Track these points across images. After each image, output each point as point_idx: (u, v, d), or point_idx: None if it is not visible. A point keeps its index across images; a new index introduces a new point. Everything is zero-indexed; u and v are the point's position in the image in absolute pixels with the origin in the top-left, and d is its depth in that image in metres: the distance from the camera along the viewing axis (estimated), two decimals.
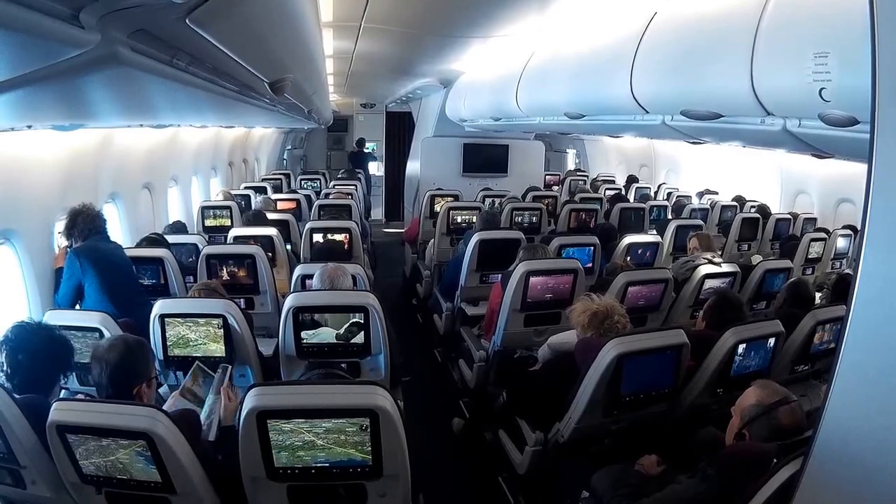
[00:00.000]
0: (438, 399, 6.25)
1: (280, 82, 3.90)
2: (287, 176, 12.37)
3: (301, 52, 4.12)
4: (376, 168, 17.16)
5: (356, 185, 10.58)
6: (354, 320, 3.74)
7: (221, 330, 3.77)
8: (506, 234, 6.22)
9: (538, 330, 4.90)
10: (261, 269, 5.14)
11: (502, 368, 4.92)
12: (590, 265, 5.90)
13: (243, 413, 2.41)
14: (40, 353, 2.89)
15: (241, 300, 4.97)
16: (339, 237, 6.38)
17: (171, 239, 5.98)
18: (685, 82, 3.16)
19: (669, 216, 9.08)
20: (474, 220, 7.40)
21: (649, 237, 6.76)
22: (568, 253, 5.81)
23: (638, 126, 4.30)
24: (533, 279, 4.75)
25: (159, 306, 3.77)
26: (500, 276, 5.36)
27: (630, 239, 6.38)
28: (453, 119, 10.45)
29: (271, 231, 6.13)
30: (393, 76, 10.27)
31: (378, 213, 16.97)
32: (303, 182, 11.89)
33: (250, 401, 2.40)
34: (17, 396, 2.60)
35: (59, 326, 3.21)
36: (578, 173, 14.19)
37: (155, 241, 5.75)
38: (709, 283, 5.19)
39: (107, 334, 3.53)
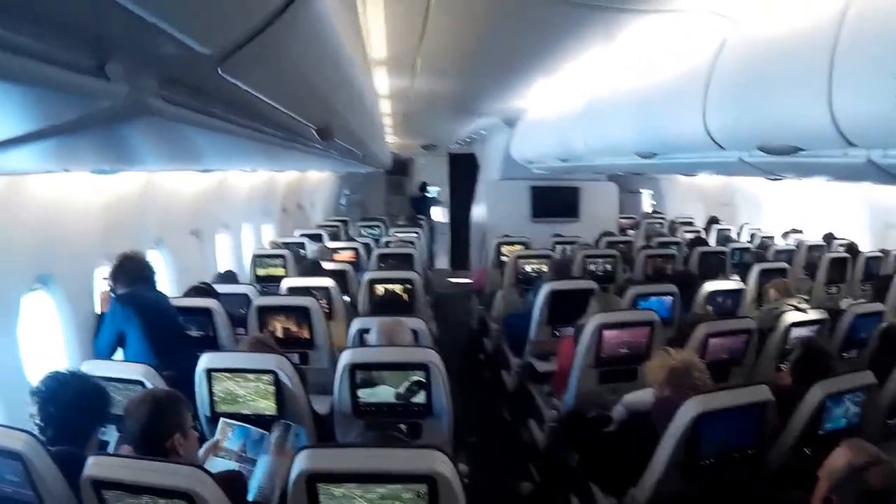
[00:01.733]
0: (506, 461, 6.22)
1: (328, 128, 3.94)
2: (345, 223, 12.63)
3: (350, 95, 4.22)
4: (440, 214, 17.36)
5: (418, 233, 10.77)
6: (415, 379, 3.80)
7: (272, 386, 3.76)
8: (578, 284, 6.24)
9: (613, 388, 4.86)
10: (316, 322, 5.22)
11: (575, 429, 4.89)
12: (668, 316, 5.84)
13: (293, 475, 2.45)
14: (73, 404, 2.97)
15: (295, 355, 5.00)
16: (399, 289, 6.49)
17: (220, 289, 6.08)
18: (760, 114, 3.16)
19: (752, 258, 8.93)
20: (544, 269, 7.47)
21: (731, 283, 6.72)
22: (644, 303, 5.78)
23: (713, 164, 4.32)
24: (607, 333, 4.77)
25: (206, 360, 3.80)
26: (571, 329, 5.37)
27: (710, 286, 6.33)
28: (519, 160, 10.60)
29: (328, 282, 6.22)
30: (453, 116, 10.48)
31: (443, 261, 17.13)
32: (361, 229, 12.12)
33: (300, 463, 2.45)
34: (51, 449, 2.68)
35: (99, 377, 3.33)
36: (655, 216, 14.15)
37: (203, 290, 5.83)
38: (795, 332, 5.11)
39: (149, 387, 3.55)
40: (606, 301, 5.37)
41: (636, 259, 8.34)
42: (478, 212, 13.37)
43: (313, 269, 6.95)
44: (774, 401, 3.44)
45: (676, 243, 9.69)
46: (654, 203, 16.36)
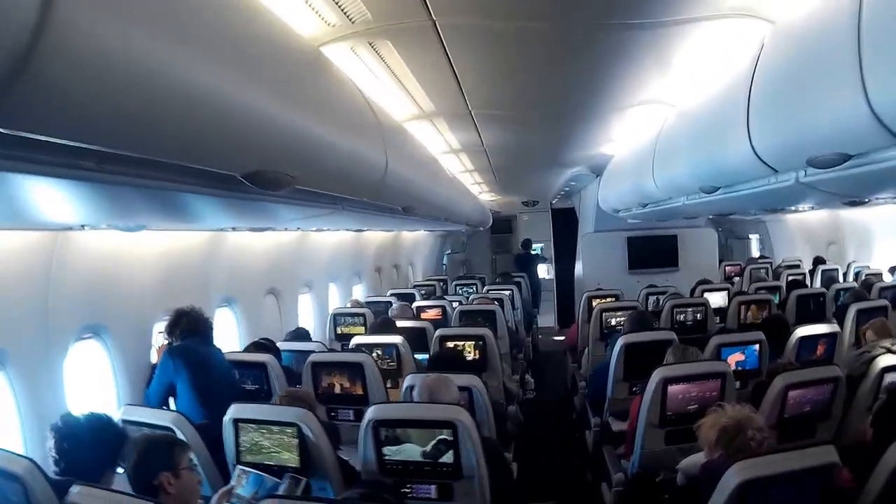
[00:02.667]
0: None
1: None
2: (443, 282, 12.45)
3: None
4: (545, 271, 16.99)
5: (511, 290, 10.39)
6: (441, 437, 3.52)
7: (296, 439, 3.68)
8: (654, 335, 5.74)
9: (683, 449, 4.29)
10: (370, 378, 5.03)
11: (636, 496, 4.47)
12: (757, 367, 5.35)
13: None
14: (87, 441, 3.12)
15: (350, 411, 5.01)
16: (469, 345, 6.20)
17: (284, 346, 6.15)
18: (801, 122, 2.75)
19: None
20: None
21: (823, 327, 6.04)
22: (729, 354, 5.28)
23: (775, 192, 3.86)
24: (672, 388, 4.31)
25: (233, 410, 3.80)
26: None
27: (801, 332, 5.72)
28: (606, 209, 10.14)
29: (396, 339, 6.04)
30: (542, 168, 10.24)
31: (549, 319, 16.66)
32: (458, 287, 11.88)
33: None
34: (53, 478, 2.82)
35: (132, 422, 3.67)
36: (761, 261, 13.31)
37: (263, 346, 5.84)
38: (890, 378, 4.43)
39: (179, 435, 3.63)
40: (682, 353, 4.88)
41: (730, 306, 7.73)
42: (579, 267, 12.97)
43: (382, 327, 6.78)
44: (839, 465, 2.87)
45: (775, 287, 9.09)
46: (762, 248, 15.65)
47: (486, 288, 10.55)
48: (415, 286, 11.77)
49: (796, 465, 2.81)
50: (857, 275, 10.36)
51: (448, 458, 3.52)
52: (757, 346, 5.43)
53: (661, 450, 4.42)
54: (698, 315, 7.31)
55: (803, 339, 5.67)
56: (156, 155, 1.99)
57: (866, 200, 4.90)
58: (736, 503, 2.74)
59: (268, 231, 6.31)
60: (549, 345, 14.00)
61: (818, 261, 11.79)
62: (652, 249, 11.44)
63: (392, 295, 10.09)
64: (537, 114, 6.24)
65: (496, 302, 8.46)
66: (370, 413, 3.60)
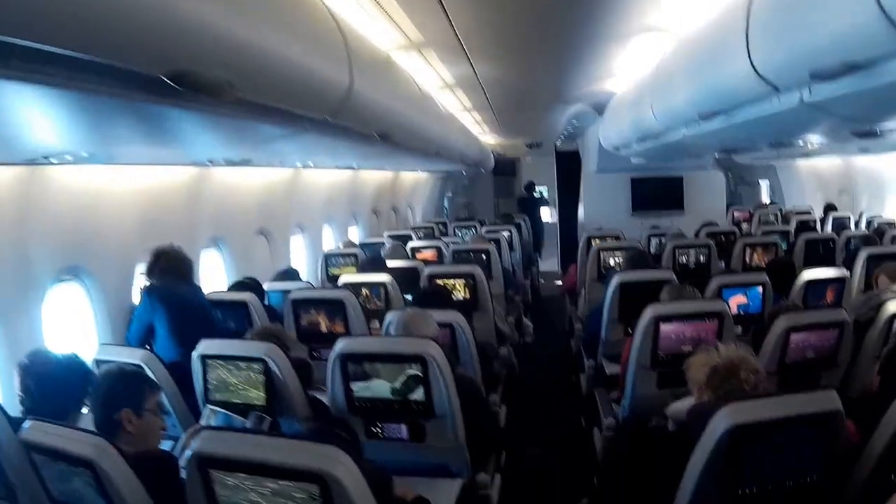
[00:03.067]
0: (573, 471, 5.61)
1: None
2: (443, 224, 12.19)
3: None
4: (549, 214, 16.71)
5: (510, 231, 10.12)
6: (411, 373, 3.32)
7: (262, 376, 3.50)
8: (651, 274, 5.51)
9: (676, 393, 3.95)
10: (351, 316, 4.85)
11: (628, 441, 4.22)
12: (759, 311, 5.09)
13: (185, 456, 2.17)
14: (50, 379, 3.07)
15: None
16: (460, 284, 5.98)
17: (274, 286, 6.03)
18: (805, 31, 2.45)
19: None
20: None
21: (831, 271, 5.74)
22: (730, 295, 5.04)
23: (779, 118, 3.58)
24: (665, 327, 4.06)
25: (202, 346, 3.62)
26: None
27: (809, 274, 5.43)
28: (607, 147, 9.77)
29: (383, 278, 5.87)
30: (539, 105, 9.87)
31: (552, 264, 16.44)
32: (456, 230, 11.61)
33: (194, 443, 2.18)
34: (13, 416, 2.73)
35: (105, 361, 3.62)
36: (771, 206, 12.99)
37: (245, 285, 5.69)
38: None
39: (149, 373, 3.51)
40: (678, 291, 4.64)
41: (734, 249, 7.47)
42: (581, 210, 12.69)
43: (371, 265, 6.58)
44: (843, 413, 2.54)
45: (783, 232, 8.81)
46: (772, 195, 15.27)
47: (483, 229, 10.28)
48: (413, 228, 11.52)
49: (793, 411, 2.50)
50: (868, 223, 10.05)
51: (418, 395, 3.33)
52: (761, 289, 5.17)
53: (654, 394, 4.20)
54: (701, 257, 7.06)
55: (810, 283, 5.39)
56: (64, 46, 1.73)
57: (878, 133, 4.57)
58: (725, 451, 2.48)
59: (252, 167, 6.14)
60: (550, 289, 13.68)
61: (829, 208, 11.47)
62: (656, 191, 11.15)
63: (389, 237, 9.91)
64: (533, 44, 5.94)
65: (493, 242, 8.23)
66: (337, 346, 3.40)
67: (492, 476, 3.98)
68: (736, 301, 5.11)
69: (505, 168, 17.49)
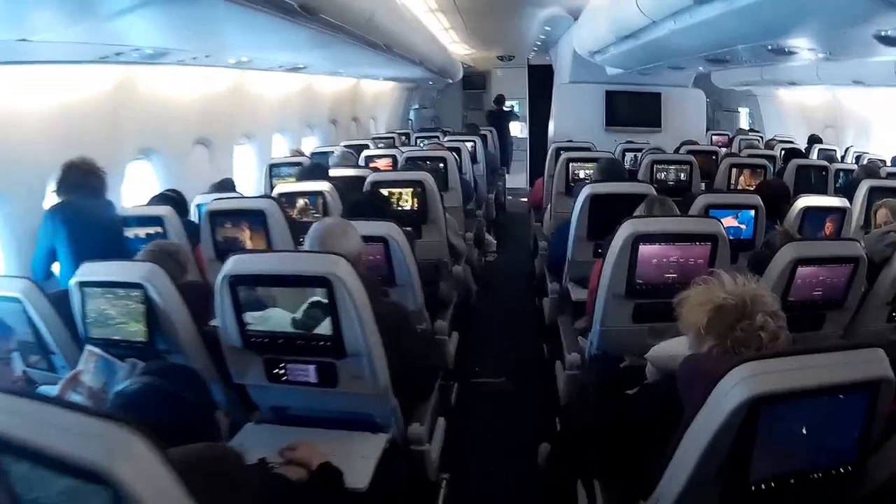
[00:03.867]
0: (534, 412, 4.86)
1: None
2: (405, 136, 11.22)
3: None
4: (519, 129, 15.76)
5: (475, 142, 9.20)
6: (314, 299, 2.50)
7: (142, 305, 2.88)
8: (627, 187, 4.69)
9: (655, 329, 3.30)
10: (274, 229, 4.09)
11: (602, 383, 3.43)
12: (750, 237, 4.42)
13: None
14: None
15: None
16: (407, 193, 5.17)
17: (203, 199, 5.25)
18: None
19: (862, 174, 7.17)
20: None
21: (833, 200, 4.97)
22: (718, 217, 4.26)
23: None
24: (645, 249, 3.25)
25: (80, 271, 3.02)
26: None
27: (807, 201, 4.71)
28: (583, 53, 8.73)
29: (322, 186, 5.08)
30: (510, 7, 8.85)
31: (521, 180, 15.56)
32: (419, 140, 10.65)
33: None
34: None
35: None
36: (751, 133, 12.21)
37: (167, 198, 5.09)
38: None
39: (28, 307, 3.06)
40: (661, 206, 3.82)
41: (718, 170, 6.68)
42: (552, 124, 11.71)
43: (311, 173, 5.76)
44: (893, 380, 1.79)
45: (770, 157, 7.95)
46: (752, 122, 14.55)
47: (446, 138, 9.35)
48: (373, 139, 10.59)
49: (835, 379, 1.74)
50: (857, 159, 9.24)
51: (325, 328, 2.54)
52: (753, 212, 4.45)
53: (628, 328, 3.46)
54: (682, 175, 6.30)
55: (808, 211, 4.68)
56: None
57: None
58: (743, 430, 1.73)
59: (181, 65, 5.48)
60: (518, 206, 13.05)
61: (814, 139, 10.64)
62: (633, 107, 10.23)
63: (345, 147, 9.03)
64: None
65: (453, 152, 7.37)
66: (225, 266, 2.59)
67: (431, 426, 3.31)
68: (725, 224, 4.33)
69: (475, 81, 16.61)
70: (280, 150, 8.61)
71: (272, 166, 7.13)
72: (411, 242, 3.87)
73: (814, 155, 9.60)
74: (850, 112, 10.87)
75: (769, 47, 4.91)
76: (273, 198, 4.56)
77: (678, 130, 10.00)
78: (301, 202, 5.08)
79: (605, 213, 4.48)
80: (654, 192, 4.51)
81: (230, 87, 7.03)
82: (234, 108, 7.24)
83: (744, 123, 15.04)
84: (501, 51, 15.24)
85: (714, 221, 3.42)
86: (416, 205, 5.12)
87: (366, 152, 7.83)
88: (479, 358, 5.68)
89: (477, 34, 11.70)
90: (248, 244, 4.27)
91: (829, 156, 9.37)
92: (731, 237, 4.25)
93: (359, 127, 12.01)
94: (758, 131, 12.87)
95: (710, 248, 3.26)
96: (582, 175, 6.13)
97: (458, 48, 13.63)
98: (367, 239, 3.34)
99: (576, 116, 10.17)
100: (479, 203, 8.26)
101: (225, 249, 4.15)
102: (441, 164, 6.50)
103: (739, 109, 15.24)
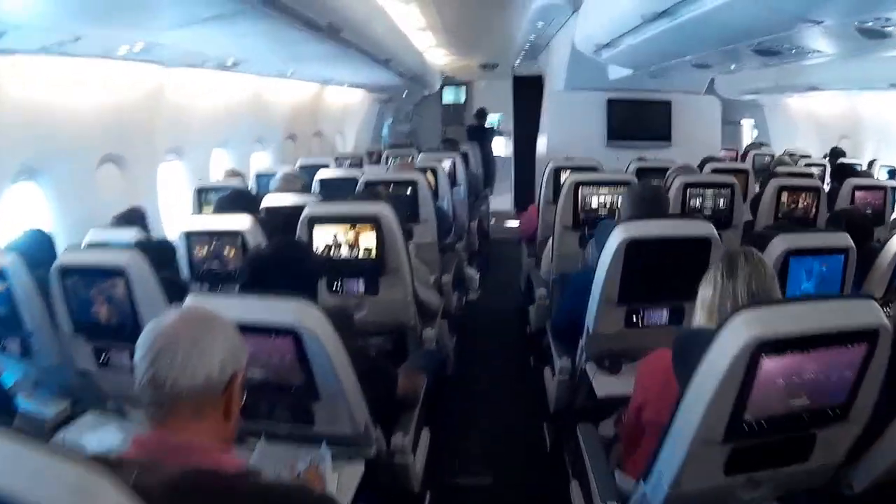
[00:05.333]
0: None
1: None
2: (376, 154, 9.60)
3: None
4: (503, 146, 14.20)
5: (453, 160, 7.59)
6: None
7: None
8: (682, 226, 3.18)
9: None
10: (138, 294, 2.77)
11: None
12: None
13: None
14: None
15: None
16: (361, 232, 3.60)
17: (98, 236, 4.05)
18: None
19: None
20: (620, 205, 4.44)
21: None
22: (800, 265, 3.01)
23: None
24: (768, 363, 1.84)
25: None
26: (663, 315, 3.11)
27: None
28: (586, 50, 7.00)
29: (240, 223, 3.69)
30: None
31: (505, 202, 14.01)
32: (390, 159, 9.03)
33: None
34: None
35: None
36: (763, 147, 10.76)
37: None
38: None
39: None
40: (748, 262, 2.25)
41: (763, 194, 5.17)
42: (542, 143, 10.06)
43: (232, 203, 4.18)
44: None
45: (808, 175, 6.61)
46: (757, 135, 13.35)
47: (420, 156, 7.73)
48: (337, 157, 8.98)
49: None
50: (891, 174, 8.13)
51: None
52: (841, 259, 3.09)
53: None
54: (721, 201, 4.75)
55: None
56: None
57: None
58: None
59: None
60: (503, 231, 11.66)
61: (836, 153, 9.32)
62: (639, 117, 8.63)
63: (301, 168, 7.48)
64: None
65: (427, 172, 5.81)
66: None
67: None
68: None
69: (455, 95, 14.97)
70: (223, 166, 7.15)
71: (200, 191, 5.71)
72: (348, 333, 2.34)
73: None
74: (869, 120, 9.69)
75: (869, 22, 3.38)
76: (147, 245, 3.04)
77: (691, 143, 8.47)
78: (208, 247, 3.59)
79: (649, 267, 2.99)
80: (716, 235, 3.03)
81: (149, 92, 5.60)
82: (155, 117, 5.79)
83: (747, 136, 13.85)
84: (484, 57, 13.67)
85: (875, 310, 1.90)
86: (373, 251, 3.56)
87: (320, 174, 6.26)
88: (459, 457, 4.14)
89: (456, 34, 10.08)
90: (103, 316, 2.78)
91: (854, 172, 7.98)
92: None
93: (323, 143, 10.44)
94: (767, 145, 11.53)
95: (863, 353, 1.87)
96: (595, 204, 4.58)
97: (435, 54, 12.11)
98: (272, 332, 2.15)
99: (572, 129, 8.58)
100: (460, 233, 6.68)
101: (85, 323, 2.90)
102: (410, 190, 4.93)
103: (743, 121, 13.98)
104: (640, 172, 5.99)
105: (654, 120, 8.59)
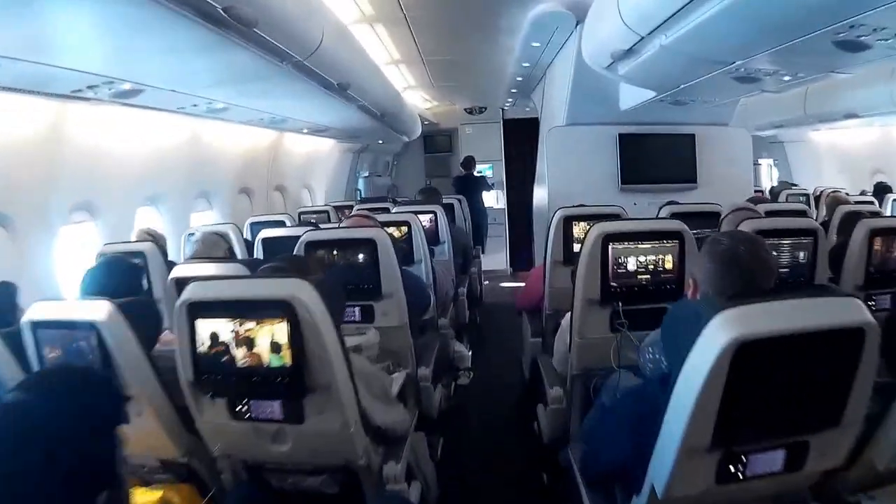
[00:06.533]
0: None
1: None
2: (345, 209, 8.30)
3: None
4: (494, 199, 13.05)
5: (434, 213, 6.26)
6: None
7: None
8: (824, 310, 1.80)
9: None
10: None
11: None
12: None
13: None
14: None
15: None
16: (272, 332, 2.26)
17: None
18: None
19: None
20: (672, 268, 3.17)
21: None
22: None
23: None
24: None
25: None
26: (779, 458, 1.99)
27: None
28: (598, 65, 5.46)
29: (95, 312, 2.54)
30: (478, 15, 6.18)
31: (499, 261, 12.82)
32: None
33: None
34: None
35: None
36: (796, 189, 9.60)
37: None
38: None
39: None
40: None
41: (851, 240, 3.85)
42: (540, 193, 8.75)
43: (108, 278, 2.94)
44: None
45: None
46: (778, 174, 12.46)
47: (395, 209, 6.41)
48: (301, 213, 7.71)
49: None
50: None
51: None
52: None
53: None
54: (801, 255, 3.49)
55: None
56: None
57: None
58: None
59: None
60: (497, 294, 10.48)
61: (882, 189, 8.36)
62: (658, 155, 7.28)
63: (253, 225, 6.41)
64: None
65: (407, 226, 4.56)
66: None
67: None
68: None
69: (440, 142, 13.98)
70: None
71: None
72: None
73: (887, 208, 7.68)
74: None
75: None
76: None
77: (719, 184, 7.23)
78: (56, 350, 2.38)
79: (770, 384, 1.80)
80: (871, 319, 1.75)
81: (42, 133, 4.45)
82: (58, 167, 4.68)
83: (764, 177, 13.00)
84: (470, 99, 12.63)
85: None
86: (282, 353, 2.21)
87: (262, 233, 5.00)
88: None
89: (437, 67, 8.83)
90: None
91: None
92: None
93: (287, 199, 9.16)
94: (796, 185, 10.52)
95: None
96: (632, 265, 3.21)
97: (414, 96, 10.96)
98: None
99: (576, 171, 7.31)
100: (444, 308, 5.33)
101: None
102: (367, 255, 3.58)
103: (761, 161, 12.90)
104: (674, 215, 4.65)
105: (675, 157, 7.30)
